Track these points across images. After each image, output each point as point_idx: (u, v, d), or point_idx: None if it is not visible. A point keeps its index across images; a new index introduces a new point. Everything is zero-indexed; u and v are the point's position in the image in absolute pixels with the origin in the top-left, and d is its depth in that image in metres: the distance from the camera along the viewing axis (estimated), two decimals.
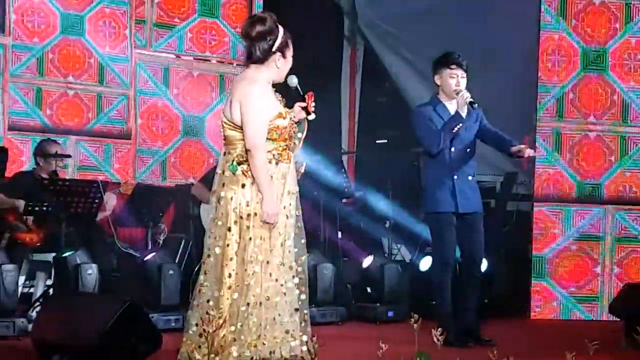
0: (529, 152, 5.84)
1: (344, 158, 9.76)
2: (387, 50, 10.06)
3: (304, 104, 4.78)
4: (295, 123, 4.79)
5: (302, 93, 4.81)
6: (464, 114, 5.80)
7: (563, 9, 7.68)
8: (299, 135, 4.82)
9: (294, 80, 4.82)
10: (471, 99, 5.77)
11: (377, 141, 10.53)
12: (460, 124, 5.77)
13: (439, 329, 4.58)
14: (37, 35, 7.60)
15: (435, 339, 4.53)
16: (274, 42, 4.68)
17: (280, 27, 4.72)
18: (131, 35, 7.97)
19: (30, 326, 5.47)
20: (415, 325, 4.51)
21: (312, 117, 4.79)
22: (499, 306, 7.33)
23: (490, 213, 8.06)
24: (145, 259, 6.51)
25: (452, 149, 5.82)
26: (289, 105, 4.82)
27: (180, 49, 8.30)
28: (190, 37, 8.33)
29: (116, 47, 7.91)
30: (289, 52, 4.76)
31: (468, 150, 5.88)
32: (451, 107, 5.87)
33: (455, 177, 5.81)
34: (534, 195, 7.73)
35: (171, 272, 6.34)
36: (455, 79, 5.83)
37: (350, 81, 10.42)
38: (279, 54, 4.70)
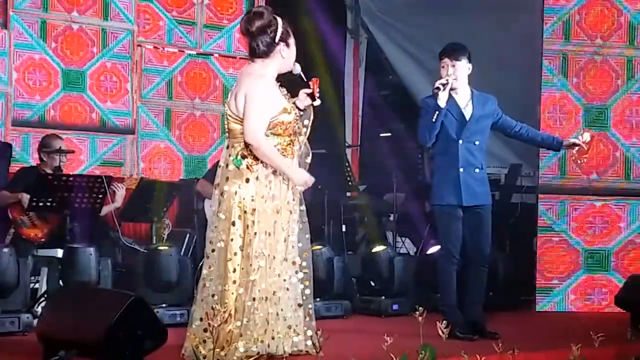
0: (585, 138, 5.94)
1: (348, 151, 9.76)
2: (390, 43, 10.05)
3: (309, 90, 4.80)
4: (301, 110, 4.80)
5: (305, 79, 4.82)
6: (441, 102, 5.70)
7: (564, 66, 7.61)
8: (306, 122, 4.83)
9: (297, 68, 4.84)
10: (437, 85, 5.73)
11: (381, 134, 10.52)
12: (437, 112, 5.70)
13: (444, 322, 4.57)
14: (39, 92, 7.62)
15: (440, 332, 4.53)
16: (275, 33, 4.68)
17: (278, 17, 4.72)
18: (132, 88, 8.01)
19: (35, 321, 5.48)
20: (420, 318, 4.50)
21: (317, 102, 4.81)
22: (504, 299, 7.32)
23: (494, 205, 8.05)
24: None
25: (460, 141, 5.78)
26: (294, 94, 4.82)
27: (229, 49, 8.46)
28: (238, 38, 8.41)
29: (118, 101, 7.95)
30: (292, 40, 4.78)
31: (477, 142, 5.82)
32: (456, 97, 5.84)
33: (461, 169, 5.77)
34: (538, 187, 7.74)
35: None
36: (445, 69, 5.81)
37: (353, 74, 10.41)
38: (282, 44, 4.71)
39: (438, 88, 5.71)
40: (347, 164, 8.31)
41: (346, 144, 10.02)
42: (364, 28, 10.30)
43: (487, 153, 6.00)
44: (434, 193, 5.91)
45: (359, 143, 10.30)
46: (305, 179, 4.72)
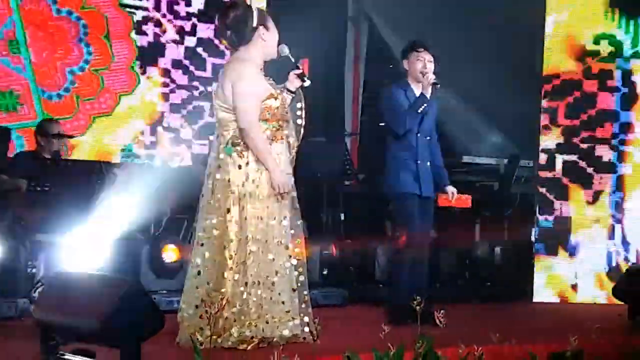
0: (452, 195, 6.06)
1: (348, 140, 9.74)
2: (391, 32, 10.02)
3: (298, 71, 4.78)
4: (292, 93, 4.79)
5: (294, 60, 4.81)
6: (428, 95, 5.86)
7: None
8: (299, 105, 4.82)
9: (285, 50, 4.82)
10: (434, 81, 5.86)
11: (381, 123, 10.50)
12: (425, 104, 5.85)
13: (442, 311, 4.58)
14: None
15: (437, 321, 4.53)
16: (252, 18, 4.69)
17: (250, 4, 4.76)
18: None
19: (32, 307, 5.47)
20: (417, 307, 4.50)
21: (307, 83, 4.80)
22: (501, 290, 7.33)
23: (493, 196, 8.05)
24: None
25: (419, 134, 5.94)
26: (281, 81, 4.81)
27: None
28: None
29: None
30: (270, 23, 4.78)
31: (428, 137, 6.01)
32: (418, 91, 5.94)
33: (419, 161, 5.93)
34: (538, 178, 7.74)
35: None
36: (422, 62, 5.92)
37: (354, 63, 10.38)
38: (261, 27, 4.72)
39: (436, 83, 5.82)
40: (346, 153, 8.30)
41: (345, 133, 10.00)
42: (365, 17, 10.27)
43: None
44: (392, 180, 5.95)
45: (358, 131, 10.28)
46: (282, 182, 4.64)
